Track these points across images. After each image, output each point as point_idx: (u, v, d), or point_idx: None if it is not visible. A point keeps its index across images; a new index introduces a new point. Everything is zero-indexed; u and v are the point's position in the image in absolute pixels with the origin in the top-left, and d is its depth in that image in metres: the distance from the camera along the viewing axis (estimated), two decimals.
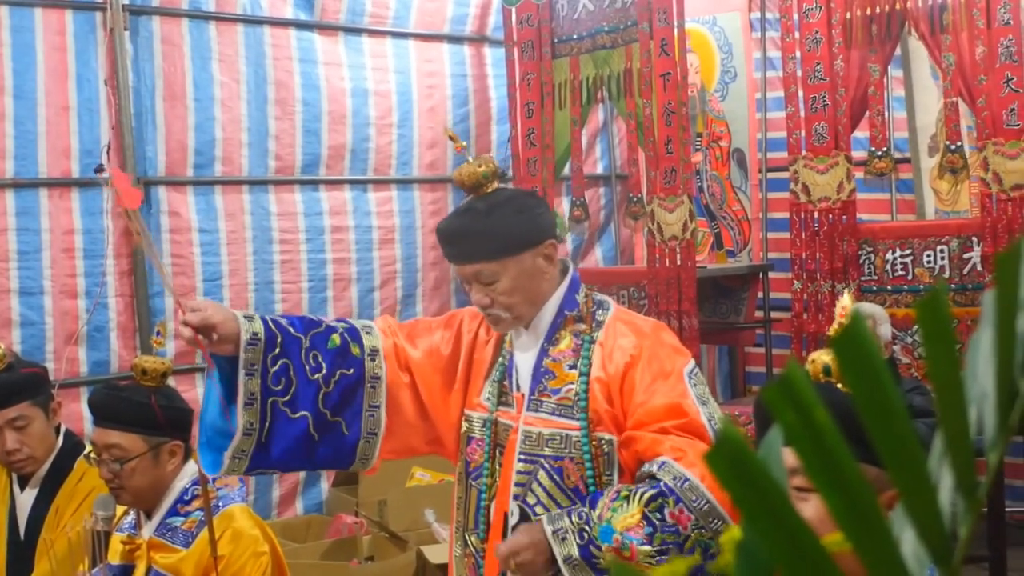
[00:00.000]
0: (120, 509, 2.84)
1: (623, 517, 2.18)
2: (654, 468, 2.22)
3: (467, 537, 2.50)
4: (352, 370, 2.46)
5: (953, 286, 4.65)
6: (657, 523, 2.16)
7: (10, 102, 4.79)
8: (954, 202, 5.58)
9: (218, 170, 5.34)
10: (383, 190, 5.85)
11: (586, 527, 2.20)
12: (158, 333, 2.72)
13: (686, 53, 5.23)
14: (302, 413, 2.40)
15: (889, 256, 4.87)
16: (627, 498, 2.20)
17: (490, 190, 2.41)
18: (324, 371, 2.43)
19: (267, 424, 2.36)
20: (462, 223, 2.41)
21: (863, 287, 4.91)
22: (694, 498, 2.17)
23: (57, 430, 3.26)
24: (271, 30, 5.48)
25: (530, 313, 2.42)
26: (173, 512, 2.73)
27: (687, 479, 2.17)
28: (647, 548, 2.16)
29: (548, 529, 2.22)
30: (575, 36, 5.58)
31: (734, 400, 6.23)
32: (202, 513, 2.63)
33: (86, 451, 2.97)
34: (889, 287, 4.87)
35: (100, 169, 4.91)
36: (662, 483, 2.18)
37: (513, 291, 2.36)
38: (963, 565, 0.62)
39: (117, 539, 2.75)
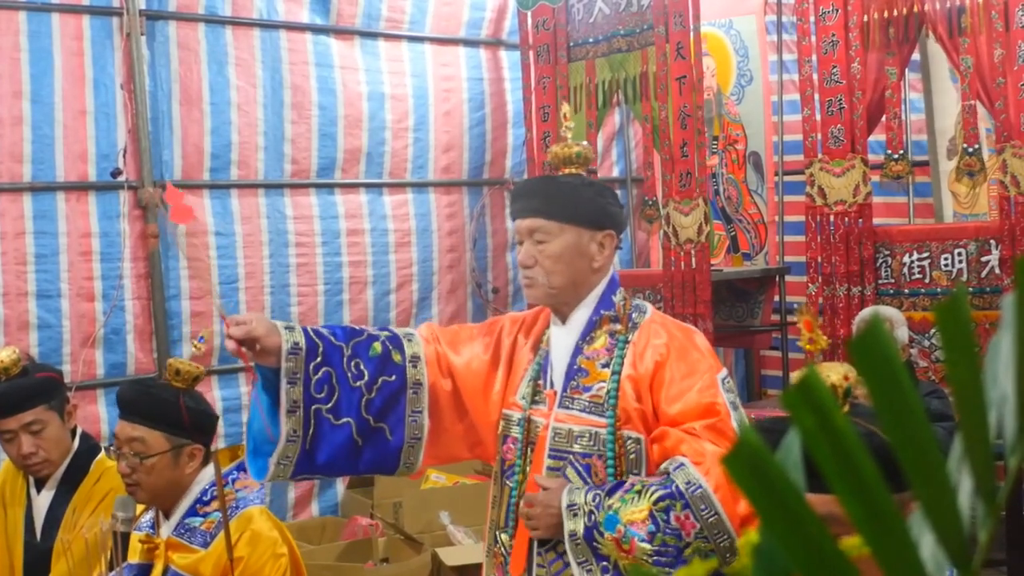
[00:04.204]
0: (139, 508, 2.85)
1: (631, 510, 2.22)
2: (671, 468, 2.25)
3: (497, 535, 2.53)
4: (394, 377, 2.50)
5: (971, 289, 4.62)
6: (661, 523, 2.19)
7: (28, 106, 4.82)
8: (972, 205, 5.56)
9: (234, 174, 5.36)
10: (399, 193, 5.86)
11: (595, 511, 2.25)
12: (201, 339, 2.77)
13: (702, 56, 5.22)
14: (345, 420, 2.43)
15: (906, 259, 4.85)
16: (639, 492, 2.24)
17: (575, 170, 2.50)
18: (366, 378, 2.46)
19: (311, 431, 2.40)
20: (540, 182, 2.55)
21: (880, 290, 4.90)
22: (703, 507, 2.19)
23: (73, 432, 3.27)
24: (287, 34, 5.50)
25: (568, 294, 2.46)
26: (192, 512, 2.74)
27: (700, 487, 2.20)
28: (646, 546, 2.19)
29: (564, 501, 2.28)
30: (591, 40, 5.58)
31: (750, 403, 6.20)
32: (220, 514, 2.65)
33: (107, 444, 2.98)
34: (906, 290, 4.86)
35: (117, 173, 4.98)
36: (674, 485, 2.21)
37: (559, 258, 2.41)
38: (982, 569, 0.62)
39: (135, 538, 2.76)
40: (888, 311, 4.46)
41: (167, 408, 2.71)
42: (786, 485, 0.58)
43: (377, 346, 2.50)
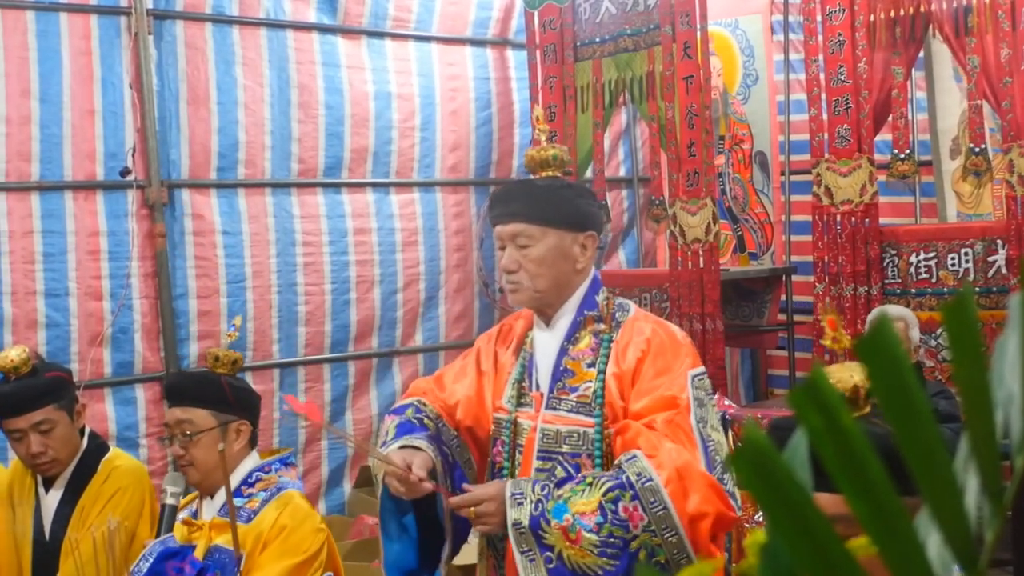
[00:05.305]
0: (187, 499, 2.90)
1: (581, 502, 2.22)
2: (624, 460, 2.26)
3: (490, 538, 2.53)
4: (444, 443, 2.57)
5: (978, 289, 4.62)
6: (609, 514, 2.20)
7: (36, 106, 4.83)
8: (976, 205, 5.55)
9: (241, 173, 5.36)
10: (405, 192, 5.87)
11: (544, 500, 2.25)
12: (232, 327, 2.85)
13: (709, 56, 5.22)
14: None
15: (913, 259, 4.85)
16: (590, 484, 2.24)
17: (551, 173, 2.50)
18: (451, 457, 2.55)
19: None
20: (519, 186, 2.55)
21: (886, 290, 4.89)
22: (652, 499, 2.19)
23: (81, 432, 3.28)
24: (294, 34, 5.51)
25: (552, 296, 2.48)
26: (237, 494, 2.77)
27: (650, 479, 2.20)
28: (593, 536, 2.19)
29: (508, 491, 2.27)
30: (597, 39, 5.58)
31: (756, 403, 6.20)
32: (265, 494, 2.76)
33: (161, 437, 3.08)
34: (913, 290, 4.85)
35: (125, 172, 4.98)
36: (624, 476, 2.22)
37: (542, 262, 2.43)
38: (988, 569, 0.62)
39: (177, 523, 2.80)
40: (900, 311, 4.46)
41: (211, 388, 2.80)
42: (793, 485, 0.59)
43: (431, 424, 2.58)
